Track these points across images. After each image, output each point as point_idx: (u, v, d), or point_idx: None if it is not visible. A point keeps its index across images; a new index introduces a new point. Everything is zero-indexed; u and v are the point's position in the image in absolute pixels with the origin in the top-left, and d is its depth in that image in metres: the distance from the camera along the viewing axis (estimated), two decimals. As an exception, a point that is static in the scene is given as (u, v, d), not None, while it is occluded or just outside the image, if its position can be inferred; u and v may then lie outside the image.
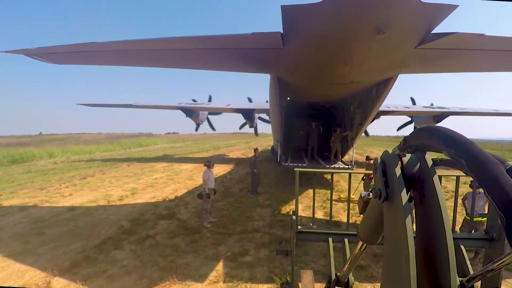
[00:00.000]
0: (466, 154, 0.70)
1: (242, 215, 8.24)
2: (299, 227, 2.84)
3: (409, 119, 21.31)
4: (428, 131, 0.88)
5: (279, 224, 7.42)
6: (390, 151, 1.00)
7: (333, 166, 10.86)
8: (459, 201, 4.05)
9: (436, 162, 0.90)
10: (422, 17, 4.07)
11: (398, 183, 0.85)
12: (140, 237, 6.53)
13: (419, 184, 0.90)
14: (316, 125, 13.43)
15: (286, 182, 12.71)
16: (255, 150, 11.37)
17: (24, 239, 6.51)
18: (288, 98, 11.10)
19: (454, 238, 0.83)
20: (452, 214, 2.69)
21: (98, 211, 8.69)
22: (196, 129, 21.69)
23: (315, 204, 3.42)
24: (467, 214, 5.38)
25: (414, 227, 0.98)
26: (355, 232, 1.35)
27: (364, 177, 8.82)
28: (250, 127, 21.94)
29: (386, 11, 3.85)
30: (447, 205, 0.86)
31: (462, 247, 2.09)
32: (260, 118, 22.18)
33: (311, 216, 3.47)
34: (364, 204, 1.13)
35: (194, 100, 21.38)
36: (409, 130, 21.47)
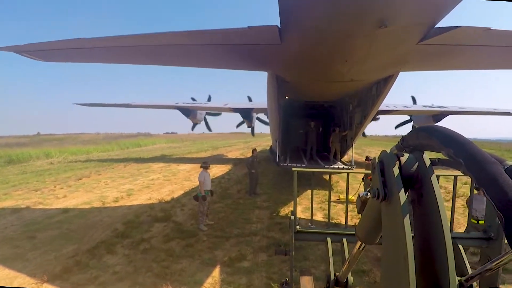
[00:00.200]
0: (464, 154, 0.70)
1: (239, 217, 8.05)
2: (297, 227, 2.83)
3: (408, 118, 21.19)
4: (426, 131, 0.87)
5: (277, 226, 7.23)
6: (388, 151, 0.99)
7: (332, 166, 10.71)
8: (460, 202, 3.92)
9: (434, 162, 0.89)
10: (427, 9, 3.88)
11: (396, 183, 0.84)
12: (134, 240, 6.32)
13: (417, 184, 0.90)
14: (315, 124, 13.27)
15: (284, 183, 12.53)
16: (253, 150, 11.18)
17: (15, 243, 6.30)
18: (287, 97, 10.91)
19: (452, 238, 0.82)
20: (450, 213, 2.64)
21: (92, 213, 8.47)
22: (192, 128, 21.46)
23: (315, 206, 3.35)
24: (473, 217, 5.20)
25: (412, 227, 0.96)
26: (354, 232, 1.33)
27: (364, 178, 8.65)
28: (248, 126, 21.76)
29: (389, 2, 3.66)
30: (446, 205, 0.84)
31: (460, 246, 2.08)
32: (258, 119, 21.96)
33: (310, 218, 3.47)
34: (362, 204, 1.12)
35: (193, 99, 21.15)
36: (407, 128, 21.38)
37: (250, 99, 22.43)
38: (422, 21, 4.26)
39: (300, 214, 7.56)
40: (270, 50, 5.78)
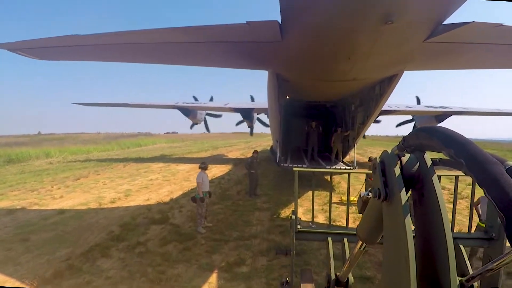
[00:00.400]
0: (465, 154, 0.69)
1: (239, 219, 7.85)
2: (298, 226, 2.85)
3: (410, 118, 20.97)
4: (427, 131, 0.87)
5: (278, 229, 7.03)
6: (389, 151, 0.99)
7: (334, 167, 10.50)
8: (464, 203, 3.86)
9: (435, 162, 0.89)
10: (437, 4, 3.67)
11: (397, 183, 0.84)
12: (130, 244, 6.13)
13: (418, 184, 0.90)
14: (316, 124, 13.08)
15: (285, 183, 12.30)
16: (254, 152, 10.95)
17: (7, 246, 6.12)
18: (288, 96, 10.71)
19: (453, 238, 0.81)
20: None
21: (89, 215, 8.29)
22: (191, 127, 21.20)
23: (316, 207, 3.37)
24: (480, 220, 4.99)
25: (413, 227, 0.95)
26: (355, 232, 1.32)
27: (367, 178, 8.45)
28: (248, 126, 21.57)
29: None
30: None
31: (461, 246, 2.09)
32: (258, 120, 21.75)
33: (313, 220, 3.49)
34: (363, 203, 1.12)
35: (195, 98, 20.95)
36: (408, 127, 21.16)
37: (252, 99, 22.22)
38: (431, 17, 4.05)
39: (301, 216, 7.37)
40: (271, 48, 5.56)
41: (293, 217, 2.87)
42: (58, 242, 6.32)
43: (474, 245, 2.50)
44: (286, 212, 8.43)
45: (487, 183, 0.62)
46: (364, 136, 21.80)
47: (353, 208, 2.86)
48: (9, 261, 5.45)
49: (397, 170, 0.86)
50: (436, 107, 19.18)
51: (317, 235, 2.89)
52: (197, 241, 6.31)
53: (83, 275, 4.90)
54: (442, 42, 4.72)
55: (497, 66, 6.28)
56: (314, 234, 2.91)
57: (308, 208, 8.37)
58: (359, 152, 23.25)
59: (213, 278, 4.79)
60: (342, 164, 11.52)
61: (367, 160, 10.24)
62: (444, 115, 18.47)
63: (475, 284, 0.80)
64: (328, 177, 12.52)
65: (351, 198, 3.26)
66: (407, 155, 0.91)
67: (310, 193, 9.51)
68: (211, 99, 21.88)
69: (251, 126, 21.45)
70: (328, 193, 10.19)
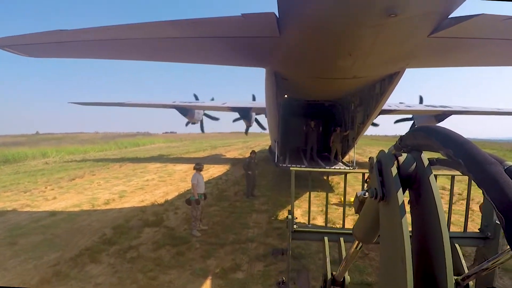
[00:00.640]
0: (463, 154, 0.68)
1: (236, 221, 7.62)
2: (294, 226, 2.86)
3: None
4: (425, 131, 0.86)
5: (276, 232, 6.81)
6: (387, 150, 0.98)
7: (333, 167, 10.30)
8: (463, 204, 3.83)
9: (432, 162, 0.88)
10: None
11: (394, 183, 0.84)
12: (122, 248, 5.89)
13: (415, 184, 0.89)
14: (316, 124, 12.88)
15: (284, 184, 12.08)
16: (252, 152, 10.72)
17: (-6, 250, 5.89)
18: (286, 95, 10.48)
19: (449, 237, 0.80)
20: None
21: (81, 217, 8.04)
22: (186, 125, 20.87)
23: (315, 209, 3.33)
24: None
25: (410, 227, 0.93)
26: (351, 232, 1.29)
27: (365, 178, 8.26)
28: (247, 126, 21.36)
29: None
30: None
31: (457, 245, 2.08)
32: (256, 120, 21.51)
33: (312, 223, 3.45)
34: (360, 203, 1.10)
35: (195, 96, 20.68)
36: (407, 126, 20.94)
37: (254, 98, 21.97)
38: (436, 10, 3.83)
39: (300, 218, 7.12)
40: (268, 43, 5.32)
41: (290, 216, 2.88)
42: (47, 246, 6.09)
43: (470, 245, 2.49)
44: (284, 214, 8.20)
45: (486, 183, 0.61)
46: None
47: (352, 209, 2.70)
48: (-6, 266, 5.22)
49: (394, 170, 0.86)
50: (436, 107, 19.00)
51: (313, 235, 2.90)
52: (191, 245, 6.08)
53: (71, 281, 4.68)
54: (448, 37, 4.50)
55: (507, 63, 6.02)
56: (310, 234, 2.92)
57: (307, 210, 8.14)
58: (358, 152, 23.04)
59: (207, 285, 4.56)
60: (341, 164, 11.32)
61: (367, 160, 9.97)
62: (444, 115, 18.30)
63: (470, 283, 0.82)
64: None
65: (351, 199, 3.13)
66: (404, 155, 0.91)
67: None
68: (212, 100, 21.65)
69: (250, 126, 21.23)
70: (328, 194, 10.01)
